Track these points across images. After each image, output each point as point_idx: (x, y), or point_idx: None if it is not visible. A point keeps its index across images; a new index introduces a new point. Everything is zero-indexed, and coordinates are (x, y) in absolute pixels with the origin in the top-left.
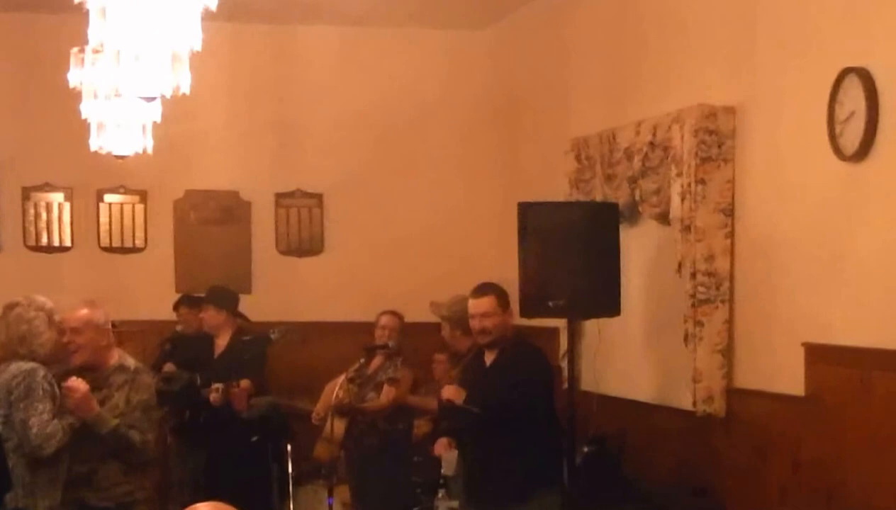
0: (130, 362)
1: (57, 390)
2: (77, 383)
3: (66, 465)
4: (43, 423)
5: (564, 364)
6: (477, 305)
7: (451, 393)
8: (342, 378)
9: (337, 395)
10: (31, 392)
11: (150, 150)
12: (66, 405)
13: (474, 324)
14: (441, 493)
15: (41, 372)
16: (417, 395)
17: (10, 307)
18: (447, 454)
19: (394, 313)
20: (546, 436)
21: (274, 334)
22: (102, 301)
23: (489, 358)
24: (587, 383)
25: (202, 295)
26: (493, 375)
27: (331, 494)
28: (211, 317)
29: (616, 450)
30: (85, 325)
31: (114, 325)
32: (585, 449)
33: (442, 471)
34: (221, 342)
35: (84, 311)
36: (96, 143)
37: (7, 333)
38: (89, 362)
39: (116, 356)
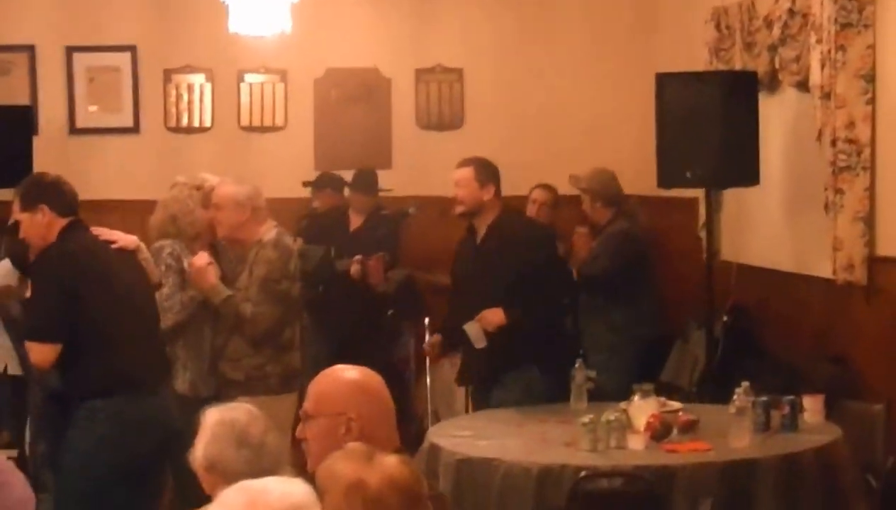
0: (269, 237)
1: (185, 265)
2: (197, 257)
3: (208, 339)
4: (161, 297)
5: (703, 234)
6: (454, 174)
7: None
8: None
9: None
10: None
11: (288, 30)
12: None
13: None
14: (578, 363)
15: (167, 249)
16: None
17: (171, 187)
18: (471, 328)
19: (547, 187)
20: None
21: (412, 209)
22: (247, 179)
23: (479, 236)
24: (727, 253)
25: (338, 174)
26: (481, 253)
27: None
28: (361, 202)
29: (755, 319)
30: (224, 201)
31: None
32: (724, 318)
33: (475, 346)
34: (358, 218)
35: (224, 187)
36: (235, 24)
37: (162, 213)
38: (231, 237)
39: (262, 232)
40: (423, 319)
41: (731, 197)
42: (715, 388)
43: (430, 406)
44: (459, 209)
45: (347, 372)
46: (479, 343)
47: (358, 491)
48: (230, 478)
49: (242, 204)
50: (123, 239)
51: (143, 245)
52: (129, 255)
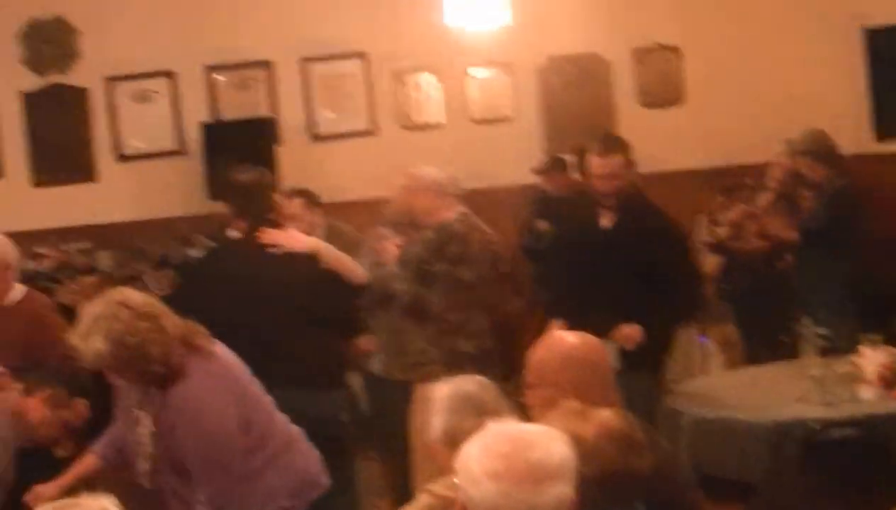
0: (440, 221)
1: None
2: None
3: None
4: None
5: None
6: (604, 165)
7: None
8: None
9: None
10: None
11: (509, 22)
12: None
13: (601, 185)
14: (807, 320)
15: (374, 234)
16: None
17: None
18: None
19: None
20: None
21: None
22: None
23: (607, 218)
24: None
25: (562, 156)
26: (616, 239)
27: (704, 333)
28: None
29: None
30: (412, 186)
31: (478, 192)
32: None
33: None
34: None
35: (414, 174)
36: (450, 16)
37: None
38: (417, 220)
39: (443, 216)
40: None
41: None
42: None
43: None
44: (611, 201)
45: (562, 341)
46: (613, 363)
47: (574, 445)
48: None
49: (427, 188)
50: (290, 242)
51: (323, 250)
52: (293, 257)
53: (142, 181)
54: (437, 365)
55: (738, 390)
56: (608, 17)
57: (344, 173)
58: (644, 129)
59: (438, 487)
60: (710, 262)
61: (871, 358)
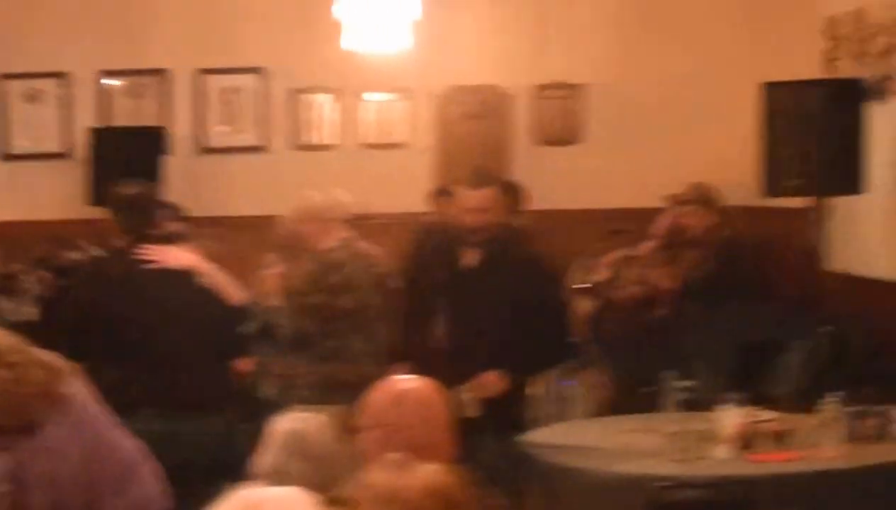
0: (326, 248)
1: None
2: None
3: None
4: None
5: (813, 244)
6: (474, 198)
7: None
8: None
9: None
10: None
11: (410, 47)
12: None
13: (470, 219)
14: (669, 372)
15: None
16: None
17: None
18: (464, 396)
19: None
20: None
21: None
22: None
23: (472, 257)
24: (833, 262)
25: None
26: (481, 278)
27: (570, 378)
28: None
29: (860, 329)
30: (296, 212)
31: (367, 218)
32: (828, 328)
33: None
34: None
35: (299, 201)
36: (348, 41)
37: None
38: (302, 247)
39: (323, 243)
40: None
41: (841, 206)
42: (815, 398)
43: None
44: (482, 237)
45: (397, 383)
46: (472, 411)
47: (393, 500)
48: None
49: (312, 215)
50: (168, 258)
51: (202, 268)
52: (170, 273)
53: (25, 181)
54: (314, 391)
55: (594, 439)
56: (513, 51)
57: (232, 188)
58: (539, 166)
59: None
60: (585, 306)
61: (731, 416)
